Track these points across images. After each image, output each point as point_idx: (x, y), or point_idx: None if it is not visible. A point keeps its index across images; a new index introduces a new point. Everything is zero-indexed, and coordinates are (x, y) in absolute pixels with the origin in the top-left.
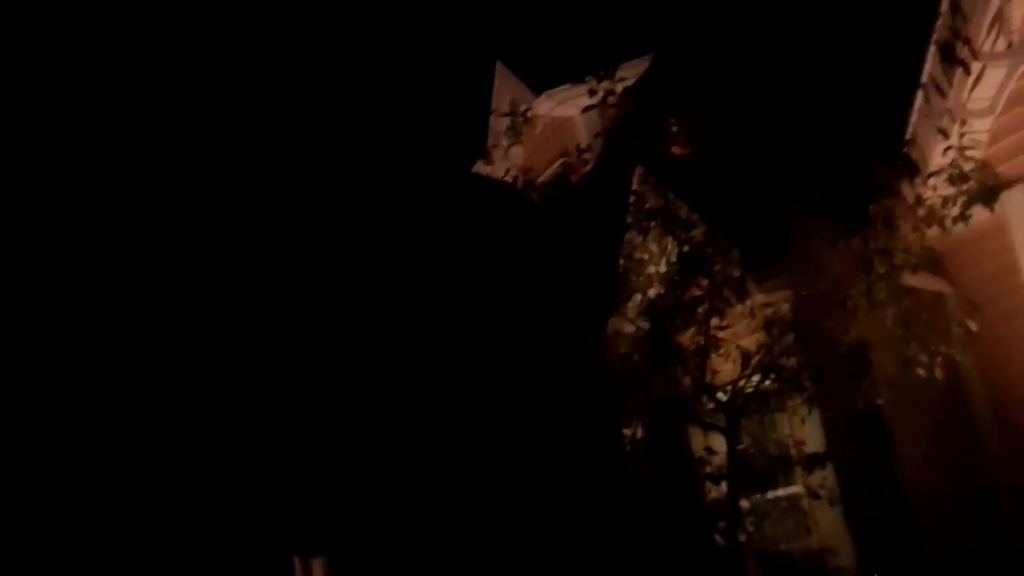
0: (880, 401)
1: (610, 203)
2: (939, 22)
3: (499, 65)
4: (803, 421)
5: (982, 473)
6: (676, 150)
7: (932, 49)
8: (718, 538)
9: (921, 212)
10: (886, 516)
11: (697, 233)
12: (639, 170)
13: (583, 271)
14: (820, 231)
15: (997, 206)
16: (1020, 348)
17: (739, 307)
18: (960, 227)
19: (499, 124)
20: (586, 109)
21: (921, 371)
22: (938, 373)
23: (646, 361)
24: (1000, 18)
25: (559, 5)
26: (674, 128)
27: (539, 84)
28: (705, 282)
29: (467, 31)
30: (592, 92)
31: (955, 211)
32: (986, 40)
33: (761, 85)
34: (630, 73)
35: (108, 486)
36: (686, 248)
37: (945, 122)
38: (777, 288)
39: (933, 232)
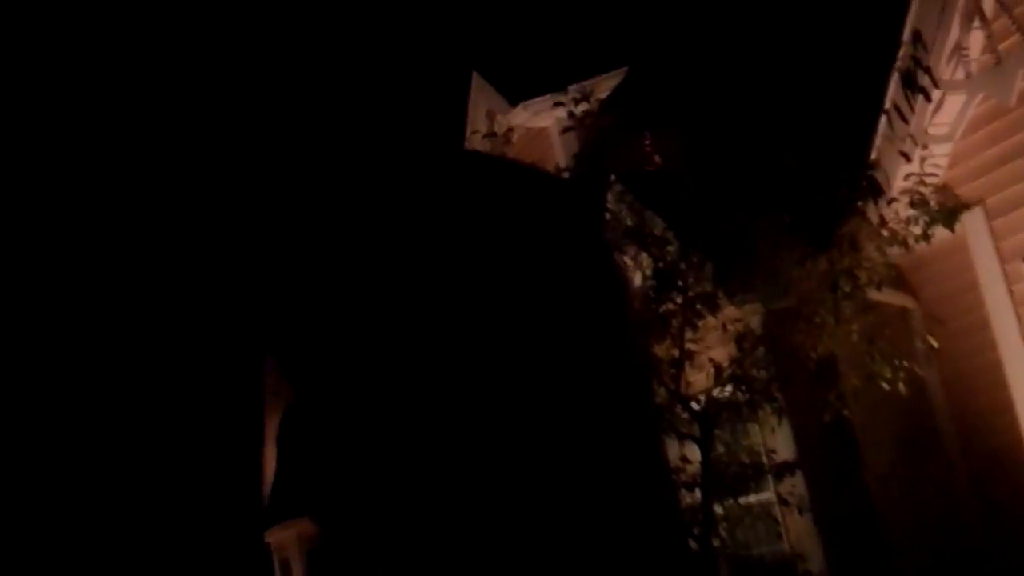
0: (848, 412)
1: (586, 219)
2: (902, 51)
3: (475, 76)
4: (773, 430)
5: (945, 481)
6: (649, 165)
7: (895, 76)
8: (692, 543)
9: (885, 232)
10: (854, 522)
11: (671, 249)
12: (615, 186)
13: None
14: (788, 249)
15: (957, 226)
16: (979, 362)
17: (712, 321)
18: (923, 245)
19: (475, 136)
20: (564, 130)
21: (885, 384)
22: (901, 387)
23: None
24: (959, 49)
25: (535, 17)
26: (647, 144)
27: (515, 95)
28: (679, 297)
29: (445, 43)
30: (570, 115)
31: (917, 231)
32: (946, 69)
33: (732, 104)
34: (604, 87)
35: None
36: (660, 264)
37: (907, 146)
38: (748, 303)
39: (896, 251)
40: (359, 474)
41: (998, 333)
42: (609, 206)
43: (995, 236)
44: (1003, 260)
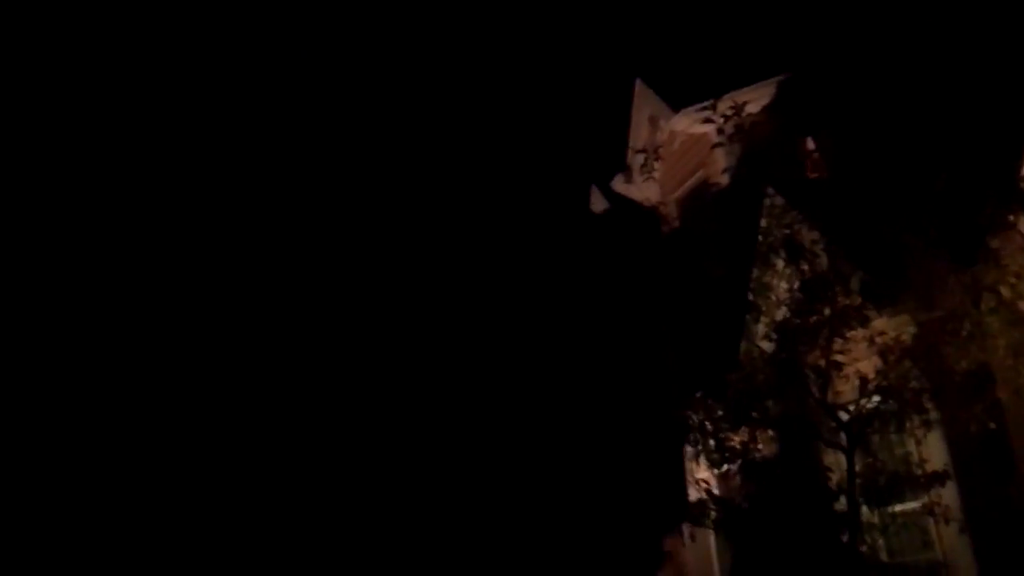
0: (996, 424)
1: (743, 222)
2: None
3: (639, 82)
4: (918, 442)
5: None
6: (807, 173)
7: None
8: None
9: None
10: (1008, 533)
11: (821, 261)
12: (770, 191)
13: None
14: (935, 264)
15: None
16: None
17: (859, 332)
18: None
19: (638, 140)
20: (714, 146)
21: (998, 406)
22: (1011, 409)
23: (773, 380)
24: None
25: (700, 23)
26: (806, 152)
27: (677, 101)
28: (827, 309)
29: (610, 50)
30: (725, 117)
31: None
32: None
33: (886, 116)
34: (763, 93)
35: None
36: (810, 274)
37: None
38: (896, 315)
39: None
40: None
41: None
42: (763, 218)
43: None
44: None
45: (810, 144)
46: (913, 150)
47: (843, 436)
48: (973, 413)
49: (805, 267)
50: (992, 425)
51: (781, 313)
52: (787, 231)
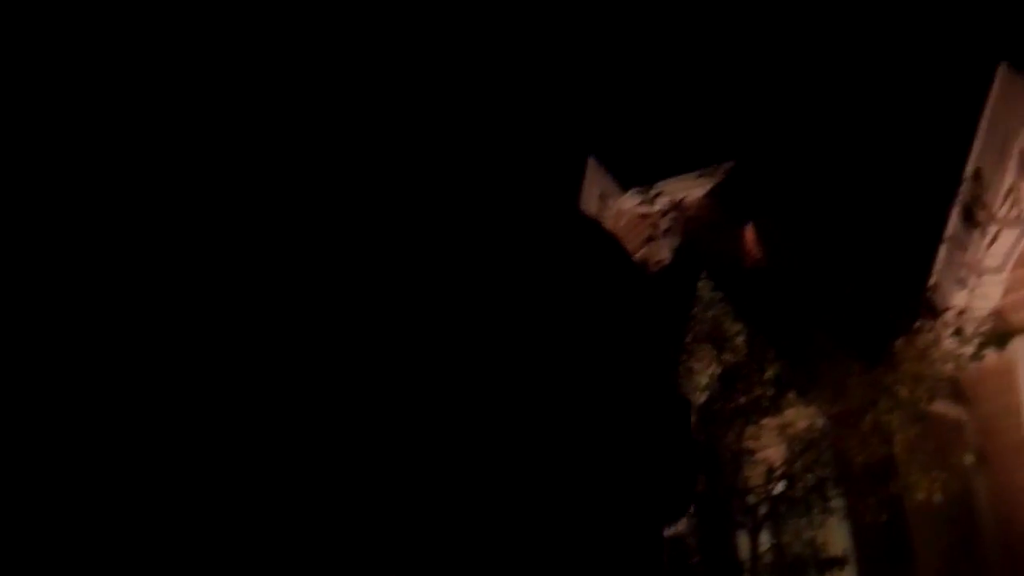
0: (893, 514)
1: (678, 306)
2: (962, 187)
3: (591, 160)
4: (820, 526)
5: None
6: (743, 263)
7: (956, 210)
8: None
9: (939, 351)
10: None
11: (741, 353)
12: (702, 279)
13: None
14: (845, 363)
15: (1007, 350)
16: (1019, 479)
17: (771, 421)
18: (976, 364)
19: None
20: (647, 240)
21: (920, 494)
22: (935, 497)
23: None
24: (1013, 190)
25: (656, 107)
26: (744, 241)
27: (629, 179)
28: (743, 398)
29: (568, 127)
30: (663, 211)
31: (969, 351)
32: (1001, 207)
33: (815, 221)
34: (705, 180)
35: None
36: (731, 364)
37: (964, 274)
38: (806, 407)
39: (951, 367)
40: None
41: None
42: (695, 305)
43: None
44: None
45: (749, 234)
46: (835, 254)
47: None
48: (869, 504)
49: (727, 356)
50: (884, 517)
51: (703, 398)
52: (713, 319)
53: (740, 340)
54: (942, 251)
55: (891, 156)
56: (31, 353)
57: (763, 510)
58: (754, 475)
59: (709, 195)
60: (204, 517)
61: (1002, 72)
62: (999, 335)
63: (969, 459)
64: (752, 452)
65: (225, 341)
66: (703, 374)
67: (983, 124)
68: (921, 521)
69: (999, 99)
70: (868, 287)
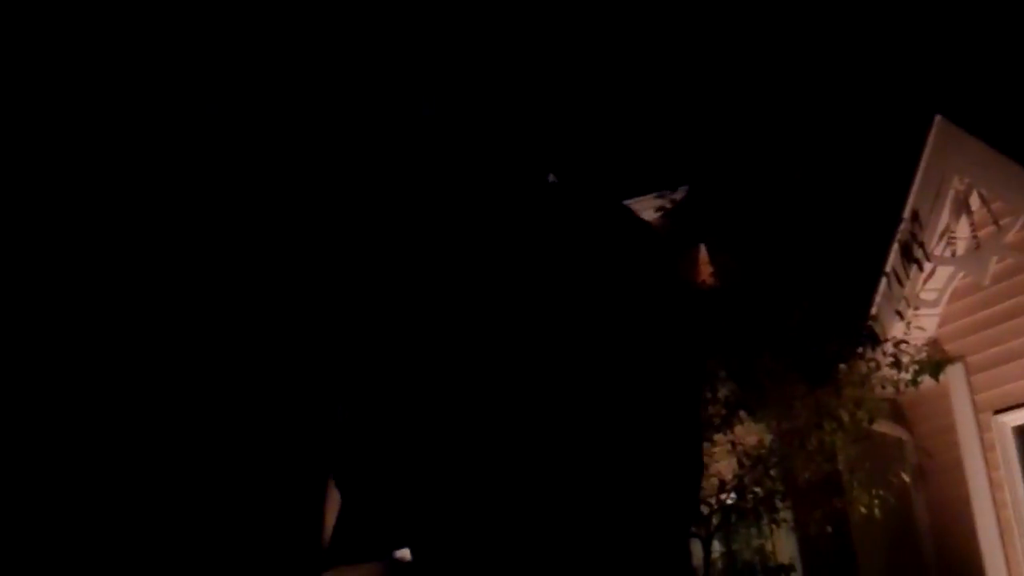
0: (837, 527)
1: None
2: (902, 226)
3: (551, 178)
4: (769, 536)
5: None
6: (698, 282)
7: (895, 247)
8: None
9: (878, 376)
10: None
11: None
12: None
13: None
14: (791, 385)
15: (941, 377)
16: (954, 494)
17: (723, 437)
18: (913, 389)
19: None
20: None
21: (862, 508)
22: (875, 511)
23: None
24: (948, 231)
25: (607, 127)
26: (698, 261)
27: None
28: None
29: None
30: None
31: (907, 377)
32: (937, 245)
33: (766, 245)
34: (661, 201)
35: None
36: None
37: (902, 306)
38: (756, 424)
39: (890, 391)
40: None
41: (968, 472)
42: None
43: (972, 389)
44: (977, 410)
45: (701, 256)
46: (783, 281)
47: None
48: (815, 517)
49: None
50: (828, 529)
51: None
52: None
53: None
54: (882, 284)
55: (838, 194)
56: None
57: (715, 520)
58: (707, 487)
59: (662, 217)
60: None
61: (938, 122)
62: (934, 363)
63: (908, 476)
64: (705, 466)
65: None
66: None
67: (920, 169)
68: (864, 533)
69: (935, 147)
70: (814, 315)
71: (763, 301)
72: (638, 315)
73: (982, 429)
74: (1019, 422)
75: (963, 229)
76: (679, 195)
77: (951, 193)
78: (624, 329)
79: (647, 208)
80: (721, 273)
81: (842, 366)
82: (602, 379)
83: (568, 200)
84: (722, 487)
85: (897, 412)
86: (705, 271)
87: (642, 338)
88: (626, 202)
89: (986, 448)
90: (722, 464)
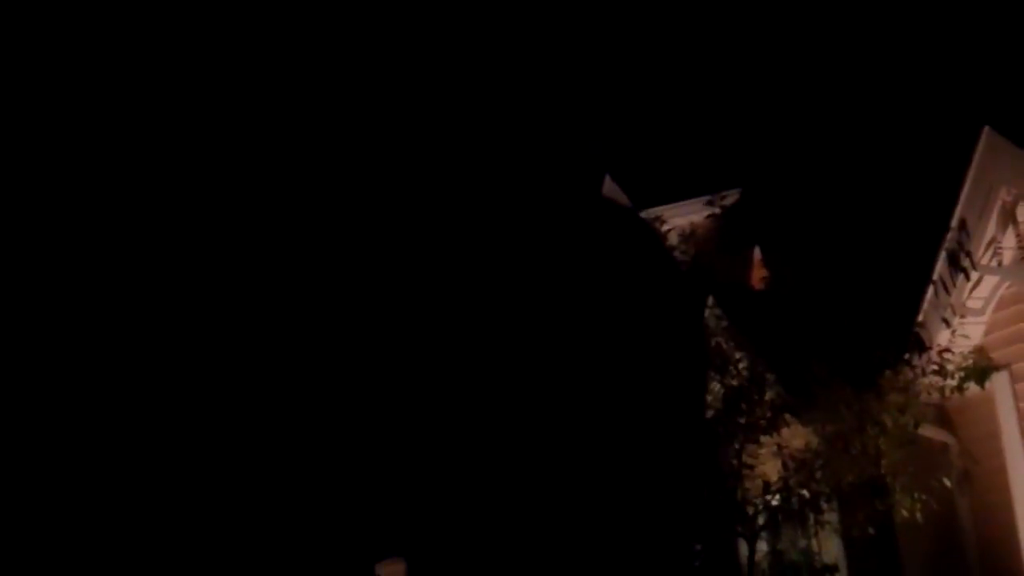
0: (881, 529)
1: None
2: (949, 235)
3: (607, 178)
4: (814, 537)
5: None
6: (751, 285)
7: (942, 255)
8: None
9: (925, 381)
10: None
11: (744, 378)
12: (710, 302)
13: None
14: (837, 390)
15: (987, 383)
16: (997, 498)
17: (768, 440)
18: (960, 394)
19: None
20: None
21: (904, 512)
22: (918, 515)
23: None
24: (994, 241)
25: (661, 129)
26: (752, 264)
27: (642, 200)
28: (743, 419)
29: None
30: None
31: (953, 384)
32: (984, 255)
33: (816, 253)
34: (710, 207)
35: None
36: (733, 385)
37: (948, 314)
38: (801, 428)
39: (936, 397)
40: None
41: (1012, 478)
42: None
43: (1017, 397)
44: (1021, 417)
45: (754, 259)
46: (832, 287)
47: (749, 528)
48: (858, 519)
49: (729, 380)
50: (871, 531)
51: (707, 415)
52: (718, 341)
53: (743, 365)
54: (929, 292)
55: (888, 203)
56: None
57: (760, 520)
58: (753, 488)
59: (715, 220)
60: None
61: (986, 134)
62: (980, 370)
63: (952, 480)
64: (751, 467)
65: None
66: (708, 394)
67: (968, 179)
68: (908, 536)
69: (983, 159)
70: (861, 321)
71: (812, 306)
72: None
73: None
74: None
75: (1009, 239)
76: (731, 198)
77: (998, 204)
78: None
79: (698, 211)
80: (773, 277)
81: (888, 372)
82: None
83: (601, 213)
84: (767, 488)
85: (943, 417)
86: (758, 274)
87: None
88: (677, 204)
89: None
90: (768, 466)
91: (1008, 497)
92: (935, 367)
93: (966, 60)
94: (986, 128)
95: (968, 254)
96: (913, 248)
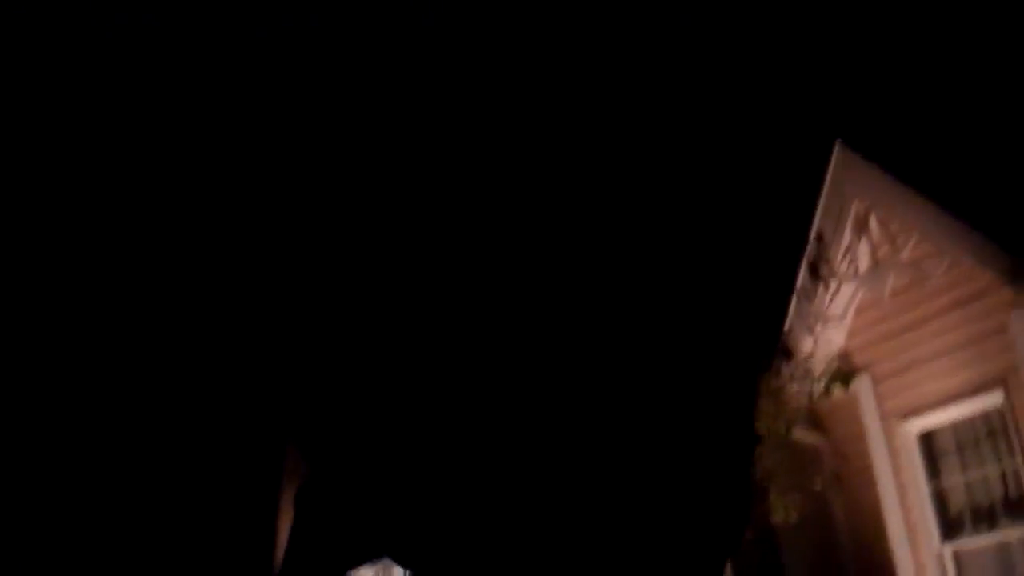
0: (766, 530)
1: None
2: (808, 247)
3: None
4: None
5: None
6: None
7: (803, 266)
8: None
9: (793, 387)
10: None
11: None
12: None
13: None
14: None
15: (852, 386)
16: (866, 496)
17: None
18: (828, 398)
19: None
20: None
21: (778, 514)
22: (791, 517)
23: None
24: (850, 250)
25: None
26: None
27: None
28: None
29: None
30: None
31: (819, 387)
32: (841, 264)
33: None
34: None
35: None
36: None
37: (811, 321)
38: None
39: (804, 402)
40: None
41: (877, 476)
42: None
43: (879, 397)
44: (883, 417)
45: None
46: (705, 299)
47: None
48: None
49: None
50: (752, 534)
51: None
52: None
53: None
54: (793, 302)
55: (753, 217)
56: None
57: None
58: None
59: None
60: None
61: (838, 149)
62: (843, 374)
63: (825, 481)
64: None
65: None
66: None
67: (824, 193)
68: (789, 537)
69: (836, 172)
70: (734, 331)
71: (693, 315)
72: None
73: (889, 435)
74: (922, 429)
75: (864, 248)
76: None
77: (852, 215)
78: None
79: None
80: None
81: (763, 381)
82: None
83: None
84: None
85: (814, 421)
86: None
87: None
88: None
89: (893, 454)
90: None
91: (875, 494)
92: (803, 370)
93: (819, 75)
94: (838, 142)
95: (827, 263)
96: (778, 260)
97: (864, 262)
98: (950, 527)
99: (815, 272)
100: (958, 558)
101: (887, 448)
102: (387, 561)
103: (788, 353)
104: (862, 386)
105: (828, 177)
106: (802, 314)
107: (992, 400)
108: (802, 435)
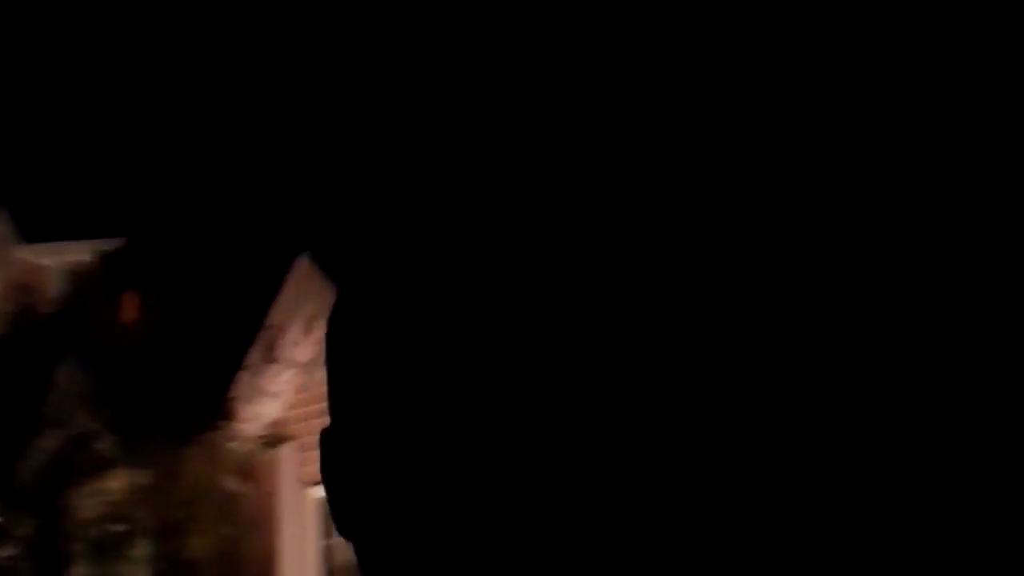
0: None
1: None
2: (264, 333)
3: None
4: (134, 564)
5: None
6: (120, 329)
7: (256, 347)
8: None
9: (232, 444)
10: None
11: (84, 422)
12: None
13: None
14: (161, 444)
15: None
16: (269, 542)
17: (96, 483)
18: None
19: None
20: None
21: (195, 551)
22: (204, 553)
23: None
24: (299, 343)
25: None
26: (123, 308)
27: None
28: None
29: None
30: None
31: (255, 448)
32: (290, 350)
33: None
34: (97, 247)
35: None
36: (74, 433)
37: (255, 393)
38: (130, 470)
39: (242, 456)
40: None
41: (280, 527)
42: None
43: (299, 462)
44: (302, 474)
45: (128, 304)
46: (184, 353)
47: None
48: (166, 553)
49: (71, 429)
50: (174, 565)
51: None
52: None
53: (85, 414)
54: (243, 373)
55: (227, 296)
56: None
57: (79, 548)
58: (88, 517)
59: (100, 261)
60: None
61: (301, 262)
62: (276, 438)
63: (242, 524)
64: (78, 504)
65: None
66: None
67: (283, 294)
68: (211, 570)
69: (297, 280)
70: (193, 389)
71: (163, 366)
72: None
73: None
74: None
75: (311, 341)
76: (119, 241)
77: (304, 314)
78: None
79: (86, 250)
80: (143, 326)
81: (205, 434)
82: None
83: None
84: (88, 524)
85: (248, 472)
86: (132, 316)
87: None
88: (70, 242)
89: None
90: (92, 502)
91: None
92: (242, 433)
93: (294, 201)
94: (303, 257)
95: (277, 349)
96: (238, 336)
97: (308, 352)
98: None
99: (266, 354)
100: None
101: (293, 498)
102: None
103: (230, 416)
104: (284, 451)
105: (289, 283)
106: (249, 385)
107: None
108: (234, 484)
